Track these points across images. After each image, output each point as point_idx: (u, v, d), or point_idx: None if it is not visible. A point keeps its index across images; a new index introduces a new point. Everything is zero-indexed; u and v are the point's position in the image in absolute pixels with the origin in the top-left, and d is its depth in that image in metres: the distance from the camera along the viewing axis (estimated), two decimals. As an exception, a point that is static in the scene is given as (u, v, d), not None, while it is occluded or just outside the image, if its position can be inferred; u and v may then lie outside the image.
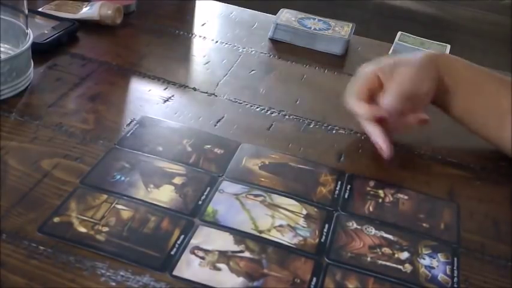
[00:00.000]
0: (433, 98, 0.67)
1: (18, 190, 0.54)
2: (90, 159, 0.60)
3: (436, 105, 0.69)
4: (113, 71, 0.77)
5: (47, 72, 0.74)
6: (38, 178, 0.56)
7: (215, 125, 0.69)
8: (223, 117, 0.70)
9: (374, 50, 0.92)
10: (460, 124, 0.69)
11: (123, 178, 0.57)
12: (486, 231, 0.59)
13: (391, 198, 0.61)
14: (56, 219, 0.52)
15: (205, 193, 0.57)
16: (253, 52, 0.88)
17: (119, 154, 0.61)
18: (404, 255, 0.54)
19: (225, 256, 0.50)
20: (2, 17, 0.70)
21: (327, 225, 0.56)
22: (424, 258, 0.54)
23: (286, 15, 0.96)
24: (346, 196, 0.60)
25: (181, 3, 1.03)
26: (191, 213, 0.54)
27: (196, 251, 0.50)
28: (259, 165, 0.63)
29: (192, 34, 0.92)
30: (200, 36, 0.91)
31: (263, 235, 0.53)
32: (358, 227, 0.56)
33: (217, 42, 0.90)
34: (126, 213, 0.53)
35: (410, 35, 0.97)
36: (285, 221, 0.55)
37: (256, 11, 1.03)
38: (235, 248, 0.51)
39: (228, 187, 0.59)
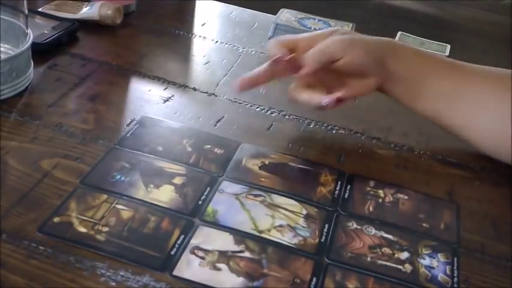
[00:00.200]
0: (380, 84, 0.66)
1: (18, 190, 0.54)
2: (90, 159, 0.60)
3: (384, 92, 0.68)
4: (113, 71, 0.77)
5: (47, 72, 0.74)
6: (38, 178, 0.56)
7: (215, 125, 0.69)
8: (223, 117, 0.70)
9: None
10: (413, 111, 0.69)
11: (123, 178, 0.57)
12: (486, 231, 0.59)
13: (391, 198, 0.61)
14: (56, 219, 0.52)
15: (205, 193, 0.57)
16: (253, 52, 0.88)
17: (119, 154, 0.61)
18: (404, 255, 0.54)
19: (225, 256, 0.50)
20: (2, 17, 0.70)
21: (327, 225, 0.56)
22: (424, 258, 0.54)
23: (286, 15, 0.96)
24: (346, 196, 0.60)
25: (181, 3, 1.04)
26: (191, 213, 0.55)
27: (196, 251, 0.50)
28: (259, 165, 0.63)
29: (192, 34, 0.92)
30: (200, 36, 0.91)
31: (263, 235, 0.53)
32: (358, 227, 0.56)
33: (217, 42, 0.90)
34: (126, 213, 0.53)
35: (410, 35, 0.97)
36: (285, 221, 0.55)
37: (256, 11, 1.03)
38: (235, 248, 0.51)
39: (228, 187, 0.59)
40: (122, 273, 0.48)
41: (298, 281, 0.49)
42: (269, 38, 0.92)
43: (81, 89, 0.72)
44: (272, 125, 0.70)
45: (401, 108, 0.69)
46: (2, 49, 0.71)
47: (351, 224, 0.56)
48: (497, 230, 0.59)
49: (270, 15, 0.99)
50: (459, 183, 0.65)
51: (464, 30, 2.58)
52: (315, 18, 0.96)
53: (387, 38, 0.68)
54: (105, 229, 0.51)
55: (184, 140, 0.65)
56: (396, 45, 0.68)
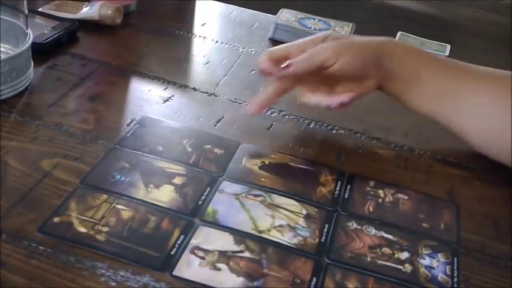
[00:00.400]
0: (379, 83, 0.66)
1: (18, 190, 0.54)
2: (90, 159, 0.60)
3: (384, 91, 0.68)
4: (113, 71, 0.77)
5: (47, 72, 0.74)
6: (38, 178, 0.56)
7: (215, 125, 0.69)
8: (223, 117, 0.70)
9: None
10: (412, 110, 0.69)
11: (123, 178, 0.57)
12: (486, 231, 0.59)
13: (391, 198, 0.61)
14: (56, 219, 0.52)
15: (205, 193, 0.57)
16: (253, 52, 0.88)
17: (119, 154, 0.61)
18: (404, 255, 0.54)
19: (225, 256, 0.50)
20: (2, 17, 0.70)
21: (327, 225, 0.56)
22: (424, 258, 0.54)
23: (286, 15, 0.96)
24: (346, 196, 0.60)
25: (181, 3, 1.04)
26: (191, 213, 0.55)
27: (196, 251, 0.50)
28: (259, 165, 0.63)
29: (192, 34, 0.92)
30: (200, 36, 0.91)
31: (263, 235, 0.53)
32: (358, 227, 0.56)
33: (217, 42, 0.90)
34: (126, 213, 0.53)
35: (410, 35, 0.97)
36: (285, 221, 0.55)
37: (256, 11, 1.03)
38: (235, 248, 0.51)
39: (228, 187, 0.59)
40: (122, 273, 0.48)
41: (298, 281, 0.49)
42: (269, 38, 0.93)
43: (81, 89, 0.72)
44: (272, 125, 0.70)
45: (401, 108, 0.69)
46: (2, 49, 0.71)
47: (351, 224, 0.56)
48: (497, 230, 0.59)
49: (270, 15, 0.99)
50: (459, 183, 0.65)
51: (464, 30, 2.57)
52: (315, 18, 0.96)
53: (383, 37, 0.68)
54: (105, 229, 0.51)
55: (184, 140, 0.65)
56: (391, 43, 0.68)
